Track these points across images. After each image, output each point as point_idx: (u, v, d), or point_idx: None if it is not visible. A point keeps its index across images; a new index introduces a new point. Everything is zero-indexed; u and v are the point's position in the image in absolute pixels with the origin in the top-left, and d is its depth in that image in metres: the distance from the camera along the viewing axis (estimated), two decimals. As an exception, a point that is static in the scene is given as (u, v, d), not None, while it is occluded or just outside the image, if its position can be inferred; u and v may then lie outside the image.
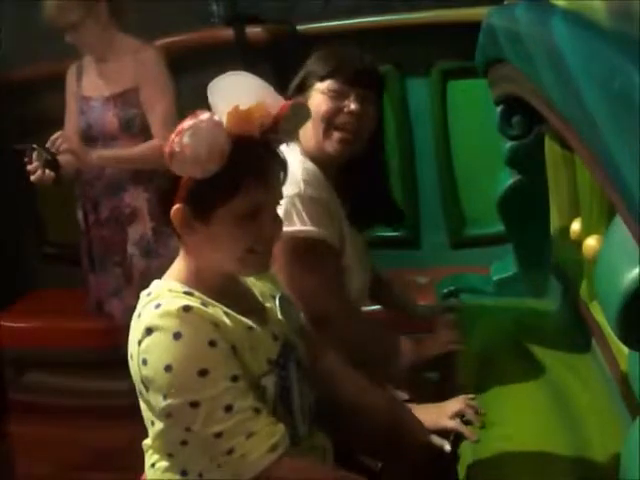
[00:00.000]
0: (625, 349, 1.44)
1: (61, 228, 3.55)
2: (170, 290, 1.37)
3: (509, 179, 2.28)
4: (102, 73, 2.86)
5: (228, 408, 1.32)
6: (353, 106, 1.83)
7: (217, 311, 1.36)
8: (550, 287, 2.25)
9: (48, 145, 2.61)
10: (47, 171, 2.62)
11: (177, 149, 1.27)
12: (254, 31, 3.08)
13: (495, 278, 2.43)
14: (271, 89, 1.38)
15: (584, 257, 1.81)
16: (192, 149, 1.27)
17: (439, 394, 1.77)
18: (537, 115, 1.56)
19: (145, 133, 2.77)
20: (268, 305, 1.51)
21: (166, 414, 1.34)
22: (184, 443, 1.36)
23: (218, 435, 1.32)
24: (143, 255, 2.83)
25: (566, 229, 2.02)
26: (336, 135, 1.84)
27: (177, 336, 1.29)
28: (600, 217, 1.72)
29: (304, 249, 1.77)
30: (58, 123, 2.90)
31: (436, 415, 1.66)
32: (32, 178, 2.64)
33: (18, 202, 3.61)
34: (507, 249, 2.43)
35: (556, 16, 1.26)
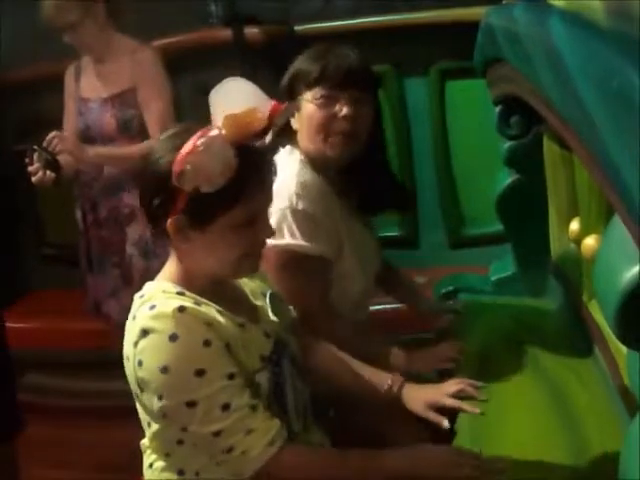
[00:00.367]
0: (624, 348, 1.44)
1: (60, 229, 3.55)
2: (164, 291, 1.38)
3: (508, 179, 2.28)
4: (100, 74, 2.86)
5: (225, 407, 1.32)
6: (345, 110, 1.81)
7: (210, 310, 1.37)
8: (549, 287, 2.25)
9: (45, 145, 2.61)
10: (48, 172, 2.62)
11: (189, 167, 1.26)
12: (252, 31, 3.08)
13: (494, 278, 2.43)
14: (262, 93, 1.38)
15: (583, 256, 1.81)
16: (206, 166, 1.27)
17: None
18: (536, 115, 1.56)
19: (143, 134, 2.77)
20: (259, 303, 1.52)
21: (162, 415, 1.35)
22: (180, 442, 1.37)
23: (217, 434, 1.33)
24: (142, 255, 2.83)
25: (565, 229, 2.02)
26: (334, 140, 1.83)
27: (173, 338, 1.30)
28: (599, 217, 1.72)
29: (294, 263, 1.77)
30: (57, 124, 2.90)
31: (433, 394, 1.67)
32: (33, 179, 2.64)
33: (17, 203, 3.61)
34: (506, 249, 2.43)
35: (554, 16, 1.26)
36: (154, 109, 2.75)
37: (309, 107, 1.83)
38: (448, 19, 2.99)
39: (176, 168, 1.27)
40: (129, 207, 2.83)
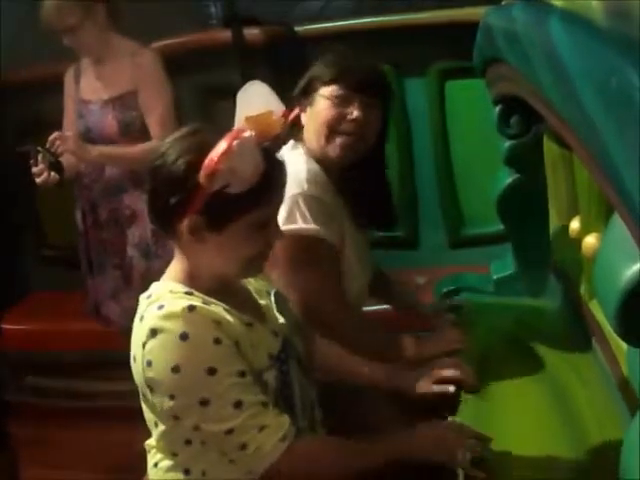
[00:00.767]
0: (624, 346, 1.44)
1: (61, 230, 3.55)
2: (171, 291, 1.38)
3: (508, 178, 2.27)
4: (100, 76, 2.86)
5: (238, 404, 1.33)
6: (356, 113, 1.83)
7: (218, 309, 1.37)
8: (549, 286, 2.25)
9: (48, 146, 2.62)
10: (53, 173, 2.63)
11: (223, 167, 1.27)
12: (252, 33, 3.09)
13: (494, 277, 2.42)
14: (277, 97, 1.40)
15: (583, 255, 1.82)
16: (240, 167, 1.28)
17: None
18: (535, 114, 1.57)
19: (144, 136, 2.77)
20: (263, 302, 1.52)
21: (173, 415, 1.35)
22: (188, 442, 1.38)
23: (229, 432, 1.33)
24: (143, 257, 2.83)
25: (565, 228, 2.03)
26: (338, 140, 1.84)
27: (183, 337, 1.30)
28: (599, 215, 1.72)
29: (306, 247, 1.78)
30: (57, 125, 2.90)
31: (430, 372, 1.72)
32: (38, 181, 2.64)
33: (17, 204, 3.61)
34: (506, 248, 2.42)
35: (553, 16, 1.26)
36: (155, 111, 2.75)
37: (322, 103, 1.85)
38: (447, 19, 2.99)
39: (207, 168, 1.27)
40: (130, 209, 2.83)
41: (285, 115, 1.40)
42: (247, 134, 1.31)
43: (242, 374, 1.35)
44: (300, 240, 1.77)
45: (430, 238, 3.26)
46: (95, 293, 2.99)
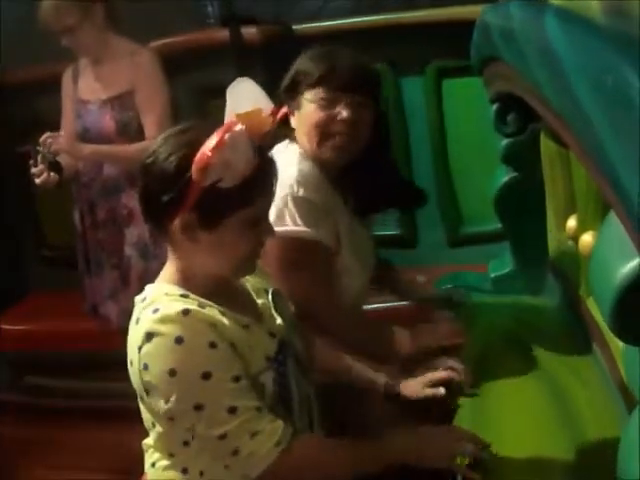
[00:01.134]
0: (621, 344, 1.44)
1: (60, 230, 3.55)
2: (166, 294, 1.37)
3: (505, 177, 2.28)
4: (98, 76, 2.86)
5: (231, 409, 1.32)
6: (345, 113, 1.81)
7: (214, 311, 1.36)
8: (547, 284, 2.25)
9: (38, 148, 2.62)
10: (52, 174, 2.63)
11: (215, 160, 1.26)
12: (249, 32, 3.08)
13: (493, 276, 2.43)
14: (266, 96, 1.40)
15: (580, 253, 1.82)
16: (232, 160, 1.28)
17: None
18: (532, 112, 1.56)
19: (142, 136, 2.77)
20: (261, 301, 1.51)
21: (168, 418, 1.35)
22: (186, 444, 1.37)
23: (222, 437, 1.33)
24: (141, 257, 2.83)
25: (562, 226, 2.03)
26: (330, 142, 1.83)
27: (179, 340, 1.30)
28: (596, 213, 1.72)
29: (295, 249, 1.78)
30: (56, 125, 2.90)
31: (424, 375, 1.73)
32: (37, 181, 2.65)
33: (17, 204, 3.61)
34: (504, 247, 2.43)
35: (549, 13, 1.26)
36: (152, 111, 2.75)
37: (309, 107, 1.84)
38: (444, 18, 2.99)
39: (200, 161, 1.27)
40: (127, 208, 2.83)
41: (274, 113, 1.39)
42: (238, 127, 1.30)
43: (237, 379, 1.34)
44: (290, 242, 1.76)
45: (429, 237, 3.26)
46: (93, 293, 2.99)
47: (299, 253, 1.78)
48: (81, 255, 2.99)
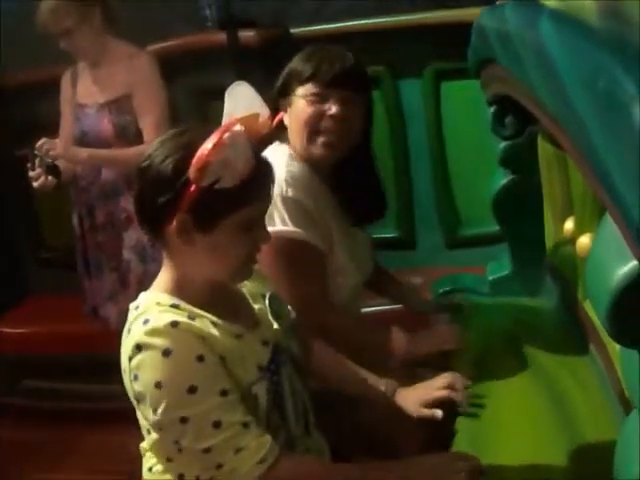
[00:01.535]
0: (618, 347, 1.44)
1: (59, 233, 3.56)
2: (158, 303, 1.36)
3: (503, 179, 2.28)
4: (96, 79, 2.86)
5: (216, 424, 1.32)
6: (334, 109, 1.82)
7: (204, 323, 1.35)
8: (545, 286, 2.25)
9: (35, 152, 2.62)
10: (50, 177, 2.63)
11: (214, 160, 1.26)
12: (247, 35, 3.09)
13: (490, 278, 2.43)
14: (262, 100, 1.40)
15: (578, 255, 1.82)
16: (231, 160, 1.27)
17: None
18: (530, 115, 1.57)
19: (140, 139, 2.77)
20: (258, 306, 1.50)
21: (158, 428, 1.35)
22: (180, 451, 1.37)
23: (207, 450, 1.33)
24: (140, 260, 2.83)
25: (560, 228, 2.03)
26: (320, 139, 1.84)
27: (166, 353, 1.29)
28: (593, 215, 1.72)
29: (285, 249, 1.77)
30: (55, 129, 2.91)
31: (424, 392, 1.71)
32: (35, 185, 2.65)
33: (16, 207, 3.62)
34: (502, 249, 2.43)
35: (544, 16, 1.26)
36: (149, 114, 2.75)
37: (300, 103, 1.84)
38: (442, 20, 2.99)
39: (198, 161, 1.26)
40: (126, 212, 2.82)
41: (271, 118, 1.39)
42: (237, 128, 1.30)
43: (224, 393, 1.33)
44: (279, 242, 1.75)
45: (427, 239, 3.27)
46: (93, 295, 2.99)
47: (289, 253, 1.77)
48: (80, 257, 2.99)
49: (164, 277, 1.41)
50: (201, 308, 1.37)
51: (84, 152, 2.76)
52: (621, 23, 1.28)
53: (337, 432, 1.63)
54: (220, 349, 1.34)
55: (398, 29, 3.06)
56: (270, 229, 1.65)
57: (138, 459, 1.52)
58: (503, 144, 2.18)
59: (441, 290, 2.49)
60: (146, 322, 1.32)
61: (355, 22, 3.13)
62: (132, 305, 1.40)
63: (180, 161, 1.29)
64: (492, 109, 2.06)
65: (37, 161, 2.62)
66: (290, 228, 1.78)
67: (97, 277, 2.94)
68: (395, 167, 3.19)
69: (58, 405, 3.26)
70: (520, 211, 2.28)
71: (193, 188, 1.28)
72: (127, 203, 2.81)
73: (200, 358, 1.31)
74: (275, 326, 1.49)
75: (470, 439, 1.63)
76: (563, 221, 2.00)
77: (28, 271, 3.77)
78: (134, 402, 1.38)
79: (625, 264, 0.96)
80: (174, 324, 1.31)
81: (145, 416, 1.36)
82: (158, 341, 1.30)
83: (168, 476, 1.43)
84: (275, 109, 1.78)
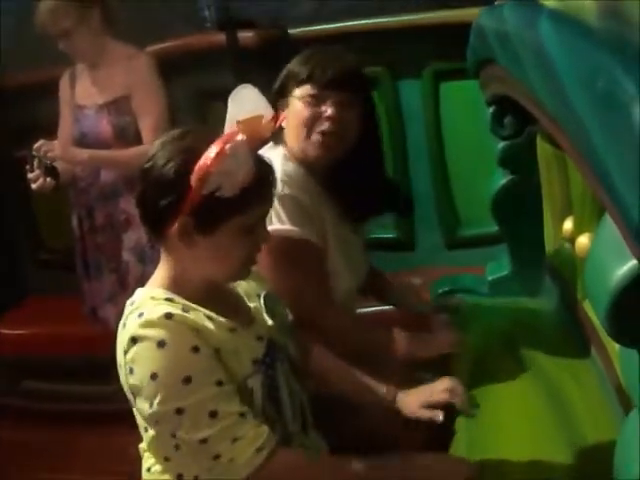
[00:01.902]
0: (618, 346, 1.44)
1: (57, 234, 3.56)
2: (152, 298, 1.38)
3: (502, 179, 2.28)
4: (95, 80, 2.86)
5: (213, 414, 1.32)
6: (330, 111, 1.82)
7: (199, 316, 1.36)
8: (545, 286, 2.25)
9: (34, 153, 2.61)
10: (49, 179, 2.62)
11: (215, 170, 1.28)
12: (246, 36, 3.09)
13: (490, 278, 2.43)
14: (266, 102, 1.41)
15: (577, 255, 1.82)
16: (232, 171, 1.29)
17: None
18: (529, 115, 1.57)
19: (139, 141, 2.77)
20: (253, 304, 1.51)
21: (154, 421, 1.36)
22: (177, 448, 1.37)
23: (203, 441, 1.33)
24: (139, 261, 2.83)
25: (559, 228, 2.03)
26: (317, 139, 1.84)
27: (161, 344, 1.30)
28: (592, 215, 1.73)
29: (282, 248, 1.76)
30: (54, 130, 2.90)
31: (424, 394, 1.71)
32: (33, 186, 2.64)
33: (14, 208, 3.61)
34: (501, 249, 2.43)
35: (543, 16, 1.26)
36: (148, 116, 2.75)
37: (297, 104, 1.85)
38: (441, 20, 2.99)
39: (200, 171, 1.28)
40: (125, 213, 2.82)
41: (275, 119, 1.40)
42: (239, 138, 1.31)
43: (219, 383, 1.34)
44: (276, 241, 1.73)
45: (426, 239, 3.26)
46: (92, 296, 2.99)
47: (286, 252, 1.77)
48: (79, 259, 2.99)
49: (161, 273, 1.43)
50: (196, 303, 1.38)
51: (84, 153, 2.75)
52: (621, 23, 1.28)
53: (336, 435, 1.63)
54: (214, 342, 1.35)
55: (397, 29, 3.06)
56: (268, 227, 1.66)
57: (138, 460, 1.52)
58: (502, 144, 2.18)
59: (440, 290, 2.49)
60: (141, 315, 1.34)
61: (354, 22, 3.13)
62: (128, 301, 1.41)
63: (182, 165, 1.31)
64: (491, 109, 2.06)
65: (36, 162, 2.62)
66: (287, 226, 1.78)
67: (96, 278, 2.94)
68: (394, 167, 3.18)
69: (57, 406, 3.26)
70: (519, 211, 2.28)
71: (194, 193, 1.30)
72: (126, 204, 2.81)
73: (195, 349, 1.32)
74: (270, 323, 1.50)
75: (469, 440, 1.64)
76: (562, 221, 2.00)
77: (27, 273, 3.76)
78: (130, 398, 1.38)
79: (624, 264, 0.96)
80: (168, 316, 1.32)
81: (141, 411, 1.36)
82: (152, 333, 1.31)
83: (167, 476, 1.44)
84: (274, 110, 1.78)
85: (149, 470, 1.48)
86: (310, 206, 1.84)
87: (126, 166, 2.71)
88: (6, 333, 3.41)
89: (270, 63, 2.95)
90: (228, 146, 1.29)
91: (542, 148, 2.05)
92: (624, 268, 0.96)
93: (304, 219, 1.81)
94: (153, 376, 1.30)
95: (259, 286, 1.56)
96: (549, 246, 2.21)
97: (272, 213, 1.76)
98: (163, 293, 1.38)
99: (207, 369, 1.33)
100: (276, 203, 1.76)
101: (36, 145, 2.63)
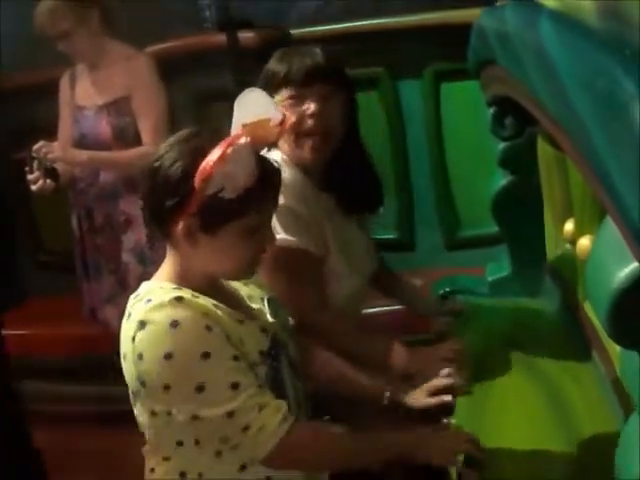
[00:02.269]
0: (618, 348, 1.44)
1: (57, 235, 3.56)
2: (161, 288, 1.39)
3: (502, 180, 2.28)
4: (95, 81, 2.86)
5: (235, 385, 1.34)
6: (312, 107, 1.82)
7: (207, 302, 1.38)
8: (545, 287, 2.25)
9: (33, 155, 2.61)
10: (48, 180, 2.62)
11: (218, 172, 1.29)
12: (246, 36, 3.09)
13: (490, 279, 2.43)
14: (274, 105, 1.41)
15: (578, 257, 1.82)
16: (234, 173, 1.30)
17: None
18: (530, 116, 1.57)
19: (139, 141, 2.77)
20: (256, 306, 1.53)
21: (167, 410, 1.35)
22: (180, 444, 1.38)
23: (230, 414, 1.33)
24: (138, 262, 2.84)
25: (560, 229, 2.03)
26: (307, 143, 1.84)
27: (174, 324, 1.31)
28: (593, 217, 1.72)
29: (278, 258, 1.75)
30: (53, 131, 2.90)
31: (427, 385, 1.72)
32: (33, 188, 2.65)
33: (14, 210, 3.61)
34: (502, 250, 2.43)
35: (543, 17, 1.26)
36: (148, 117, 2.75)
37: (279, 109, 1.84)
38: (442, 21, 2.99)
39: (202, 172, 1.30)
40: (125, 214, 2.83)
41: (282, 123, 1.40)
42: (243, 140, 1.32)
43: (236, 358, 1.36)
44: (272, 251, 1.76)
45: (426, 240, 3.27)
46: (92, 297, 2.99)
47: (283, 262, 1.77)
48: (79, 260, 2.99)
49: (166, 269, 1.44)
50: (202, 295, 1.39)
51: (84, 154, 2.76)
52: (621, 23, 1.28)
53: None
54: (223, 326, 1.37)
55: (397, 30, 3.07)
56: None
57: (140, 461, 1.52)
58: (503, 145, 2.18)
59: (441, 291, 2.48)
60: (149, 301, 1.35)
61: (354, 23, 3.14)
62: (132, 296, 1.42)
63: (188, 167, 1.33)
64: (492, 110, 2.06)
65: (35, 164, 2.62)
66: (283, 236, 1.77)
67: (96, 279, 2.94)
68: (394, 168, 3.18)
69: (57, 407, 3.25)
70: (520, 212, 2.28)
71: (198, 194, 1.32)
72: (126, 205, 2.81)
73: (208, 327, 1.33)
74: (272, 320, 1.52)
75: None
76: (563, 222, 2.00)
77: (27, 274, 3.76)
78: (136, 389, 1.38)
79: (625, 266, 0.96)
80: (179, 298, 1.34)
81: (152, 399, 1.36)
82: (163, 315, 1.32)
83: (169, 476, 1.44)
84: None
85: (152, 471, 1.48)
86: (307, 214, 1.83)
87: (126, 167, 2.71)
88: (6, 334, 3.40)
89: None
90: (230, 149, 1.30)
91: (543, 149, 2.05)
92: (625, 270, 0.96)
93: (300, 227, 1.81)
94: (167, 356, 1.30)
95: (261, 291, 1.58)
96: (550, 247, 2.21)
97: None
98: (170, 285, 1.39)
99: (223, 345, 1.35)
100: None
101: (36, 146, 2.63)
